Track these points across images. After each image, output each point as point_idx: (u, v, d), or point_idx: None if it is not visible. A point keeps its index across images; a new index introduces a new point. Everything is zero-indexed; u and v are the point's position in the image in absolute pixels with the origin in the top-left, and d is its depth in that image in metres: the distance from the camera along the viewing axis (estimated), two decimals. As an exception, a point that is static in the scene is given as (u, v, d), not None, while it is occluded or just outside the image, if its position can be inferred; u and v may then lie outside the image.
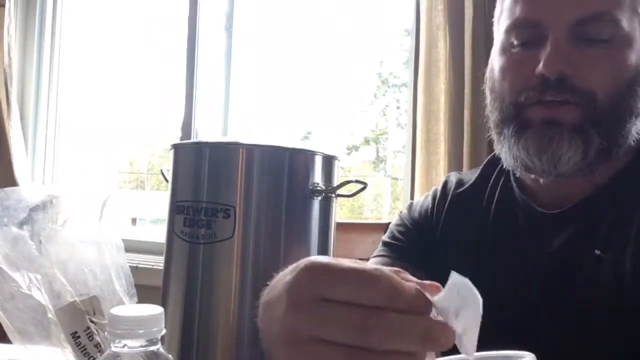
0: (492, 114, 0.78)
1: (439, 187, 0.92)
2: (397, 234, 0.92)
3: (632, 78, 0.70)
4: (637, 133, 0.73)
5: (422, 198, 0.94)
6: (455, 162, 1.58)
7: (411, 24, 1.78)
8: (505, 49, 0.76)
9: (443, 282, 0.40)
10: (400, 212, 0.96)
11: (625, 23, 0.69)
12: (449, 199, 0.88)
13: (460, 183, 0.90)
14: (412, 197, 1.69)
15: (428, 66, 1.64)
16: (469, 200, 0.87)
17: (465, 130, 1.56)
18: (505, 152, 0.75)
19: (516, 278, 0.77)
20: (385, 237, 0.93)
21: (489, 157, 0.91)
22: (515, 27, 0.74)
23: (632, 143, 0.73)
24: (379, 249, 0.93)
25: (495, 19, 0.82)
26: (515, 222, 0.80)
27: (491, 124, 0.79)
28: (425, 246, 0.87)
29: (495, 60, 0.78)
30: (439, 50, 1.62)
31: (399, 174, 2.29)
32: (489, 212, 0.83)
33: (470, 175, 0.91)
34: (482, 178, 0.88)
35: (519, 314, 0.75)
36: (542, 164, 0.71)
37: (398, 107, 2.34)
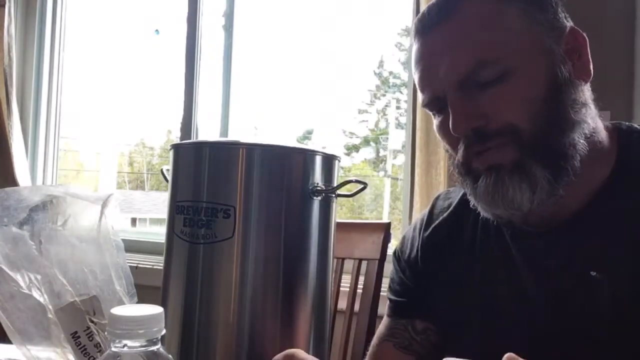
0: (453, 168, 0.79)
1: (425, 216, 0.91)
2: (397, 288, 0.92)
3: (548, 94, 0.70)
4: (591, 128, 0.71)
5: (410, 232, 0.93)
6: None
7: (411, 24, 1.78)
8: (432, 116, 0.78)
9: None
10: (393, 258, 0.95)
11: (508, 54, 0.69)
12: (432, 230, 0.88)
13: (445, 209, 0.89)
14: (411, 197, 1.68)
15: (428, 66, 1.63)
16: (454, 227, 0.86)
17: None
18: (473, 201, 0.75)
19: (514, 304, 0.76)
20: (388, 294, 0.94)
21: None
22: (424, 105, 0.77)
23: (603, 144, 0.73)
24: (388, 305, 0.93)
25: None
26: (503, 243, 0.79)
27: (455, 177, 0.80)
28: (425, 286, 0.87)
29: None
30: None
31: (399, 174, 2.29)
32: (475, 236, 0.83)
33: (458, 192, 0.90)
34: (466, 201, 0.85)
35: (518, 341, 0.74)
36: (499, 209, 0.72)
37: (398, 107, 2.34)
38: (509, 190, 0.69)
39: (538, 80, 0.70)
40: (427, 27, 0.74)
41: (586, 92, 0.73)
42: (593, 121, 0.73)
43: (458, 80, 0.70)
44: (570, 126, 0.70)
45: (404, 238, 0.94)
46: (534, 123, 0.69)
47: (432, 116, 0.78)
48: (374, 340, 0.94)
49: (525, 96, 0.69)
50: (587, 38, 0.74)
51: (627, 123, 0.78)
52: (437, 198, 0.93)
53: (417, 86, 0.77)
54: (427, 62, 0.74)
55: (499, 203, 0.71)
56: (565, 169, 0.70)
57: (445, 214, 0.87)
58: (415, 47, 0.76)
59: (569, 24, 0.74)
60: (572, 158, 0.70)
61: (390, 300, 0.93)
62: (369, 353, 0.94)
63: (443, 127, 0.75)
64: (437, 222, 0.87)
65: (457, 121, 0.70)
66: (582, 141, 0.70)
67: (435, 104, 0.74)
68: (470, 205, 0.77)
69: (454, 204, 0.87)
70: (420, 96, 0.77)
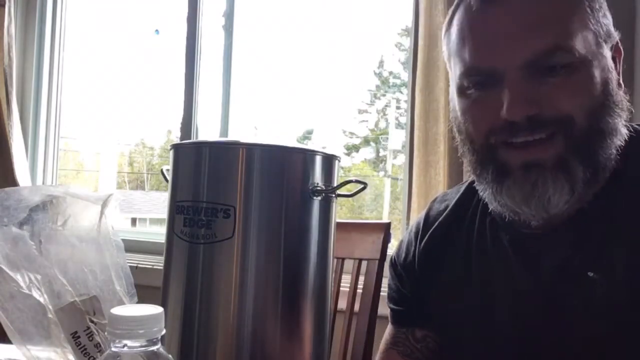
0: (465, 155, 0.76)
1: (422, 220, 0.90)
2: (394, 296, 0.92)
3: (602, 97, 0.69)
4: (623, 138, 0.71)
5: (406, 236, 0.92)
6: (455, 162, 1.58)
7: (410, 24, 1.78)
8: (463, 91, 0.73)
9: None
10: (390, 265, 0.94)
11: (579, 46, 0.67)
12: (429, 233, 0.87)
13: (441, 212, 0.88)
14: (409, 197, 1.68)
15: (427, 65, 1.63)
16: (450, 229, 0.85)
17: (456, 138, 1.56)
18: (489, 196, 0.73)
19: (511, 305, 0.75)
20: (387, 301, 0.94)
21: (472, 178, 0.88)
22: (467, 74, 0.71)
23: (622, 143, 0.71)
24: (389, 312, 0.93)
25: (445, 55, 0.80)
26: (499, 245, 0.78)
27: (467, 165, 0.77)
28: (422, 292, 0.87)
29: (456, 102, 0.76)
30: (439, 49, 1.62)
31: (399, 174, 2.29)
32: (470, 238, 0.82)
33: (454, 195, 0.89)
34: (462, 202, 0.85)
35: (516, 343, 0.74)
36: (532, 210, 0.69)
37: (398, 107, 2.34)
38: (549, 190, 0.67)
39: (597, 80, 0.68)
40: None
41: (623, 102, 0.72)
42: (627, 131, 0.72)
43: (529, 59, 0.66)
44: (613, 134, 0.69)
45: (400, 243, 0.94)
46: (589, 120, 0.67)
47: (462, 90, 0.73)
48: (381, 346, 0.94)
49: (585, 91, 0.68)
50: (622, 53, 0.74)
51: (628, 123, 0.78)
52: (434, 201, 0.93)
53: (462, 49, 0.71)
54: (493, 31, 0.69)
55: (531, 204, 0.68)
56: (597, 174, 0.69)
57: (441, 217, 0.87)
58: (471, 10, 0.70)
59: (618, 34, 0.73)
60: (605, 169, 0.69)
61: (390, 308, 0.93)
62: (377, 359, 0.94)
63: (480, 105, 0.70)
64: (434, 226, 0.87)
65: (514, 104, 0.66)
66: (613, 151, 0.69)
67: (484, 77, 0.70)
68: (481, 196, 0.75)
69: (450, 206, 0.87)
70: (465, 61, 0.71)
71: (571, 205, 0.69)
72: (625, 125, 0.74)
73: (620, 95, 0.71)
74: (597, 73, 0.69)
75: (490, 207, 0.75)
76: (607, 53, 0.71)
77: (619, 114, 0.70)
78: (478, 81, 0.71)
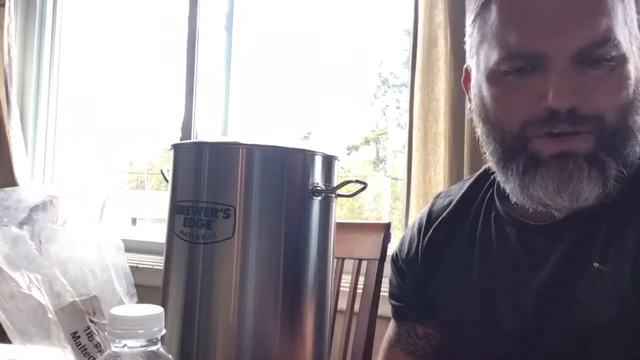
0: (489, 145, 0.74)
1: (425, 216, 0.90)
2: (395, 292, 0.92)
3: (633, 95, 0.68)
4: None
5: (409, 231, 0.92)
6: (456, 162, 1.57)
7: (410, 24, 1.78)
8: (497, 77, 0.70)
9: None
10: (391, 261, 0.94)
11: (623, 41, 0.67)
12: (432, 229, 0.87)
13: (444, 208, 0.87)
14: (408, 197, 1.68)
15: (427, 65, 1.63)
16: (453, 225, 0.84)
17: (466, 130, 1.56)
18: (515, 189, 0.71)
19: (513, 297, 0.75)
20: (388, 297, 0.94)
21: (480, 172, 0.88)
22: (509, 58, 0.68)
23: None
24: (390, 309, 0.93)
25: (469, 42, 0.77)
26: (504, 238, 0.78)
27: (489, 155, 0.75)
28: (423, 288, 0.87)
29: (486, 89, 0.72)
30: (439, 49, 1.62)
31: (399, 174, 2.29)
32: (474, 234, 0.82)
33: (457, 191, 0.88)
34: (466, 198, 0.85)
35: (518, 336, 0.74)
36: (564, 201, 0.67)
37: (398, 107, 2.34)
38: (583, 181, 0.65)
39: (631, 78, 0.68)
40: None
41: None
42: None
43: (581, 48, 0.65)
44: (636, 134, 0.69)
45: (402, 239, 0.94)
46: (619, 120, 0.67)
47: (497, 76, 0.70)
48: (384, 343, 0.94)
49: (621, 89, 0.67)
50: None
51: None
52: (437, 197, 0.92)
53: (505, 30, 0.68)
54: (546, 13, 0.66)
55: (564, 193, 0.66)
56: (623, 173, 0.68)
57: (445, 213, 0.87)
58: None
59: None
60: (630, 167, 0.69)
61: (391, 304, 0.93)
62: (380, 356, 0.94)
63: (520, 92, 0.68)
64: (437, 221, 0.87)
65: (561, 93, 0.64)
66: (636, 149, 0.69)
67: (528, 62, 0.67)
68: (502, 188, 0.73)
69: (454, 202, 0.87)
70: (508, 43, 0.67)
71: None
72: None
73: None
74: (632, 70, 0.68)
75: (514, 200, 0.73)
76: (637, 52, 0.70)
77: None
78: (519, 66, 0.68)
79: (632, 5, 0.70)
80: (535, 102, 0.66)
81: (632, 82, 0.68)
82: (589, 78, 0.65)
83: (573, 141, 0.66)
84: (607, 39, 0.65)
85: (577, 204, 0.67)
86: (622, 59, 0.67)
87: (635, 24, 0.70)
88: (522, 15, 0.67)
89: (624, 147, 0.68)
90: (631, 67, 0.68)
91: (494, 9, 0.70)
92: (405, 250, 0.90)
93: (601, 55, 0.65)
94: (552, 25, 0.65)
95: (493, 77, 0.71)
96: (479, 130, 0.76)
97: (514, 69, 0.68)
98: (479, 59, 0.74)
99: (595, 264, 0.68)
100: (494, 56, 0.70)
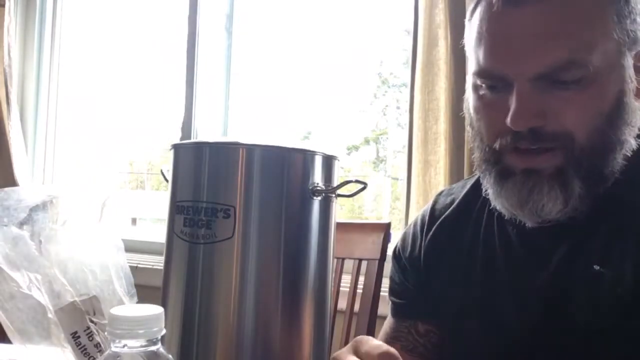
0: (475, 149, 0.76)
1: (427, 213, 0.90)
2: (397, 289, 0.92)
3: (611, 111, 0.67)
4: (631, 148, 0.70)
5: (411, 229, 0.92)
6: (456, 161, 1.57)
7: (410, 23, 1.78)
8: (476, 88, 0.73)
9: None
10: (393, 257, 0.94)
11: (596, 59, 0.65)
12: (435, 227, 0.87)
13: (447, 206, 0.88)
14: (408, 197, 1.68)
15: (427, 65, 1.63)
16: (456, 223, 0.85)
17: (466, 129, 1.55)
18: (492, 195, 0.74)
19: (515, 297, 0.75)
20: (389, 294, 0.93)
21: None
22: (479, 75, 0.71)
23: (630, 154, 0.70)
24: (390, 305, 0.93)
25: (466, 44, 0.78)
26: (506, 239, 0.78)
27: (475, 160, 0.77)
28: (425, 286, 0.87)
29: (471, 97, 0.75)
30: (439, 49, 1.62)
31: (399, 174, 2.29)
32: (477, 232, 0.82)
33: (460, 190, 0.89)
34: (469, 197, 0.85)
35: (519, 336, 0.74)
36: (525, 215, 0.70)
37: (398, 107, 2.34)
38: (544, 198, 0.67)
39: (610, 94, 0.67)
40: None
41: (638, 112, 0.71)
42: (635, 140, 0.71)
43: (540, 72, 0.65)
44: (618, 148, 0.69)
45: (404, 235, 0.93)
46: (590, 137, 0.67)
47: (476, 87, 0.72)
48: (380, 339, 0.94)
49: (593, 107, 0.66)
50: None
51: None
52: (440, 194, 0.92)
53: (477, 48, 0.70)
54: (509, 36, 0.67)
55: (525, 208, 0.69)
56: (597, 187, 0.69)
57: (448, 211, 0.87)
58: (492, 11, 0.68)
59: None
60: (607, 179, 0.69)
61: (392, 301, 0.93)
62: None
63: (491, 107, 0.70)
64: (440, 219, 0.87)
65: (519, 116, 0.65)
66: (620, 161, 0.69)
67: (495, 80, 0.69)
68: (483, 193, 0.76)
69: (457, 200, 0.87)
70: (479, 61, 0.70)
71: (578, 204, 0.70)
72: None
73: (634, 106, 0.69)
74: (611, 85, 0.67)
75: (492, 205, 0.76)
76: (629, 62, 0.68)
77: (628, 126, 0.69)
78: (489, 84, 0.70)
79: (631, 11, 0.68)
80: (502, 118, 0.68)
81: (610, 97, 0.67)
82: (555, 98, 0.66)
83: (537, 158, 0.68)
84: (572, 62, 0.65)
85: (539, 218, 0.70)
86: (596, 76, 0.66)
87: (631, 31, 0.68)
88: (491, 35, 0.69)
89: (596, 165, 0.68)
90: (610, 82, 0.67)
91: (474, 22, 0.72)
92: (409, 248, 0.90)
93: (566, 78, 0.65)
94: (514, 48, 0.67)
95: (474, 87, 0.73)
96: (470, 133, 0.78)
97: (486, 85, 0.70)
98: (471, 63, 0.76)
99: (596, 267, 0.68)
100: (472, 68, 0.72)
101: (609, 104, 0.67)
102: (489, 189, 0.74)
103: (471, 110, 0.75)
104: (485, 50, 0.69)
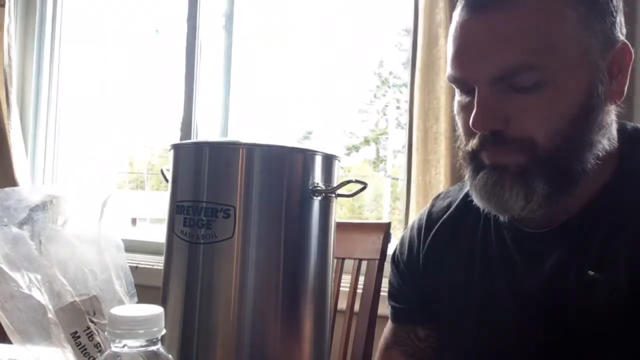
0: (460, 147, 0.78)
1: (424, 217, 0.90)
2: (396, 294, 0.92)
3: (577, 113, 0.67)
4: (604, 148, 0.70)
5: (408, 233, 0.92)
6: (456, 161, 1.57)
7: (410, 23, 1.78)
8: (456, 91, 0.75)
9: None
10: (391, 262, 0.94)
11: (553, 62, 0.65)
12: (433, 230, 0.87)
13: (445, 209, 0.88)
14: (408, 197, 1.68)
15: (427, 64, 1.63)
16: (454, 226, 0.85)
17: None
18: (471, 191, 0.75)
19: (513, 301, 0.76)
20: (388, 299, 0.94)
21: None
22: (449, 80, 0.74)
23: (603, 153, 0.70)
24: (389, 310, 0.93)
25: None
26: (502, 243, 0.79)
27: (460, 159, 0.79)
28: (424, 290, 0.87)
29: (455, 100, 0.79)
30: (439, 48, 1.62)
31: (399, 174, 2.29)
32: (475, 236, 0.82)
33: (457, 192, 0.89)
34: (466, 200, 0.85)
35: (513, 341, 0.74)
36: (492, 208, 0.72)
37: (398, 107, 2.34)
38: (505, 194, 0.69)
39: (572, 97, 0.67)
40: (483, 4, 0.68)
41: (612, 114, 0.71)
42: (609, 141, 0.71)
43: (494, 76, 0.67)
44: (587, 148, 0.68)
45: (402, 239, 0.94)
46: (553, 141, 0.67)
47: (455, 90, 0.75)
48: (381, 344, 0.93)
49: (553, 111, 0.67)
50: (633, 56, 0.70)
51: (632, 124, 0.77)
52: (436, 198, 0.92)
53: (448, 56, 0.73)
54: (469, 42, 0.70)
55: (491, 202, 0.71)
56: (568, 186, 0.69)
57: (445, 215, 0.87)
58: (460, 18, 0.70)
59: (622, 37, 0.70)
60: (578, 178, 0.69)
61: (391, 306, 0.93)
62: (377, 357, 0.93)
63: (464, 110, 0.73)
64: (437, 224, 0.87)
65: (478, 119, 0.68)
66: (592, 161, 0.69)
67: (463, 85, 0.72)
68: (471, 198, 0.76)
69: (455, 203, 0.87)
70: (448, 68, 0.73)
71: (568, 198, 0.70)
72: (623, 123, 0.74)
73: (607, 108, 0.70)
74: (577, 88, 0.67)
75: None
76: (600, 62, 0.68)
77: (598, 126, 0.69)
78: (459, 88, 0.73)
79: (600, 12, 0.68)
80: (468, 118, 0.70)
81: (573, 99, 0.67)
82: (515, 104, 0.67)
83: (502, 155, 0.69)
84: (521, 66, 0.65)
85: (506, 213, 0.71)
86: (556, 79, 0.66)
87: (600, 32, 0.68)
88: (455, 42, 0.71)
89: (566, 166, 0.68)
90: (574, 85, 0.67)
91: (450, 27, 0.74)
92: (406, 252, 0.90)
93: (523, 83, 0.66)
94: (472, 53, 0.69)
95: (455, 90, 0.76)
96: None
97: (459, 89, 0.73)
98: None
99: (591, 272, 0.69)
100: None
101: (573, 106, 0.67)
102: (470, 184, 0.75)
103: (455, 112, 0.77)
104: (452, 57, 0.72)
